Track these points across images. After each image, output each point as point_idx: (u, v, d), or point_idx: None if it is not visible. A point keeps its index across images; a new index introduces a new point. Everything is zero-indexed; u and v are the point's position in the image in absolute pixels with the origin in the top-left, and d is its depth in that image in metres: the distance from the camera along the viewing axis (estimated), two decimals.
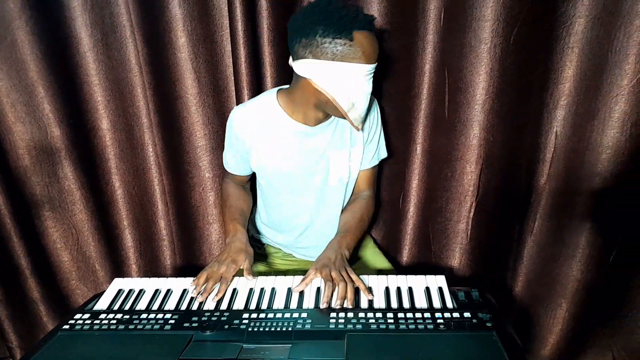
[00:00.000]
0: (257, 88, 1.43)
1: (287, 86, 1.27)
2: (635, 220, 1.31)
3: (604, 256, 1.38)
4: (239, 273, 1.18)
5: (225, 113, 1.53)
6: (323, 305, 1.02)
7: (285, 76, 1.43)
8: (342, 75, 1.07)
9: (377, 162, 1.41)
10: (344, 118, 1.15)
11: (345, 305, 1.02)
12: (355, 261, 1.46)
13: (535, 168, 1.38)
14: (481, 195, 1.44)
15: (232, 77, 1.47)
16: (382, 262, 1.49)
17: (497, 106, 1.32)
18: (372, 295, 1.07)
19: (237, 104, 1.45)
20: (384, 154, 1.44)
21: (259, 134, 1.27)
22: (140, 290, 1.14)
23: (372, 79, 1.11)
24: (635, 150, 1.23)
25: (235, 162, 1.38)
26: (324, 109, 1.18)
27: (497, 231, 1.51)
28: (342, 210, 1.39)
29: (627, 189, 1.28)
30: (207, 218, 1.67)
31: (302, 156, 1.28)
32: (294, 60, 1.13)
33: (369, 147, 1.36)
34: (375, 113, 1.35)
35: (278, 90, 1.28)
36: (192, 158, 1.57)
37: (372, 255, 1.53)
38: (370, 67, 1.08)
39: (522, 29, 1.23)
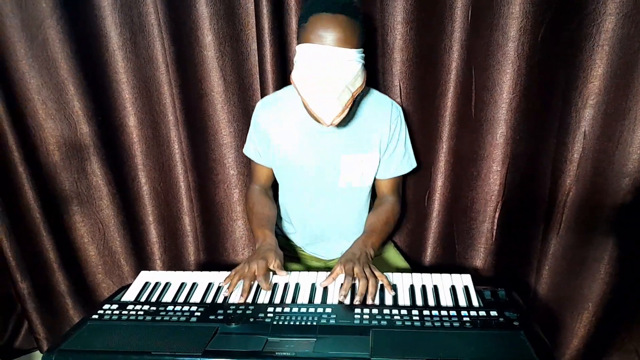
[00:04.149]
0: (283, 86, 1.43)
1: None
2: None
3: (632, 258, 1.35)
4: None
5: (250, 111, 1.54)
6: (340, 297, 1.02)
7: None
8: (299, 59, 1.02)
9: (402, 173, 1.38)
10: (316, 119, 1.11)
11: (368, 302, 1.01)
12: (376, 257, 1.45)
13: (562, 168, 1.36)
14: (507, 195, 1.42)
15: (257, 76, 1.48)
16: (401, 263, 1.48)
17: (524, 105, 1.30)
18: (395, 291, 1.06)
19: None
20: (411, 165, 1.39)
21: (279, 124, 1.27)
22: (167, 283, 1.15)
23: (339, 67, 1.01)
24: None
25: (262, 151, 1.35)
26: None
27: (522, 232, 1.49)
28: (369, 212, 1.38)
29: None
30: (231, 215, 1.68)
31: (315, 154, 1.27)
32: None
33: (392, 157, 1.33)
34: (399, 123, 1.32)
35: None
36: (217, 155, 1.59)
37: (393, 255, 1.52)
38: (325, 49, 0.99)
39: (550, 26, 1.21)
